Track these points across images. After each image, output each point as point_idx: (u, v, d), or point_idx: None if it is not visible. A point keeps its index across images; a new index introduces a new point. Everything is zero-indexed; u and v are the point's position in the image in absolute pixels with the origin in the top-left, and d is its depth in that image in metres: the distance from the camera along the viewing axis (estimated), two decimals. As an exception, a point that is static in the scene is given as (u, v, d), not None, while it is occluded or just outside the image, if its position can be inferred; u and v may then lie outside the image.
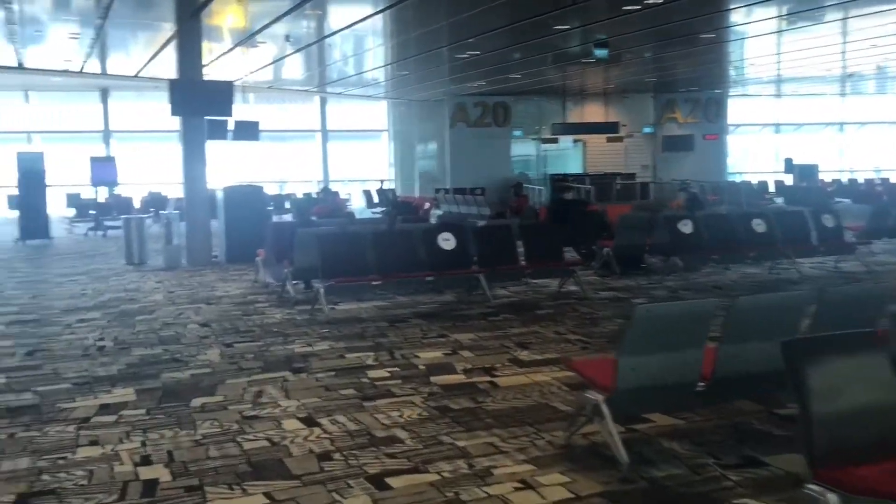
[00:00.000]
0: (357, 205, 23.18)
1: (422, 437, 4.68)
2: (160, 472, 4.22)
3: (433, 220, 15.75)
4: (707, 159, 26.93)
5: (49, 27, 15.78)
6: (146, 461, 4.39)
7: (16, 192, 17.91)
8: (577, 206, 13.27)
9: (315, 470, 4.22)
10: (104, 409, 5.36)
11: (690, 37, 16.02)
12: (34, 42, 17.22)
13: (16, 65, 19.34)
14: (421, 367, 6.34)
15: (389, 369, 6.27)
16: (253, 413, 5.21)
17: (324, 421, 5.01)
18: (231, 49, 17.22)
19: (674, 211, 12.91)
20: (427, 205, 19.79)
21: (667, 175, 25.79)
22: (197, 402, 5.48)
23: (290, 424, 4.96)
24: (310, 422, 5.00)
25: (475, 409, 5.21)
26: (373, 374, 6.14)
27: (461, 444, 4.56)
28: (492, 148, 25.63)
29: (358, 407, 5.30)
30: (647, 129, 26.84)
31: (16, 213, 17.99)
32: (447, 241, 9.04)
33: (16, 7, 13.55)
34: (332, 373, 6.19)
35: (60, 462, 4.38)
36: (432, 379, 5.96)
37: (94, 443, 4.68)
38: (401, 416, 5.07)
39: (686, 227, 10.52)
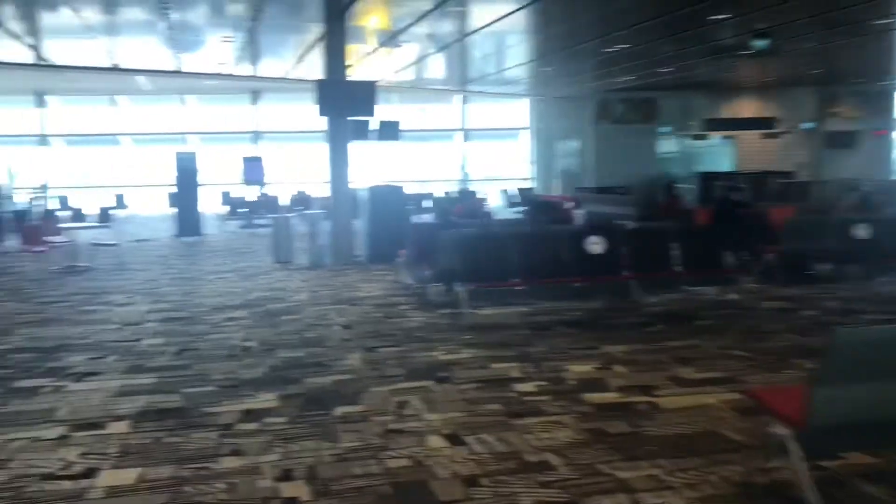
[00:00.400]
0: (494, 204, 22.88)
1: (577, 465, 4.26)
2: (301, 490, 4.02)
3: (576, 221, 15.17)
4: (872, 156, 24.87)
5: (205, 32, 16.39)
6: (287, 476, 4.21)
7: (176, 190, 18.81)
8: (743, 207, 12.20)
9: (461, 497, 3.89)
10: (247, 415, 5.25)
11: (859, 24, 14.70)
12: (192, 47, 17.96)
13: (174, 69, 20.32)
14: (570, 381, 5.92)
15: (537, 383, 5.88)
16: (395, 426, 4.95)
17: (469, 439, 4.68)
18: (375, 49, 17.32)
19: (846, 214, 11.78)
20: (569, 204, 19.18)
21: (827, 174, 23.99)
22: (339, 411, 5.29)
23: (435, 441, 4.67)
24: (455, 440, 4.69)
25: (635, 433, 4.74)
26: (519, 387, 5.78)
27: (622, 475, 4.11)
28: (636, 145, 24.65)
29: (505, 425, 4.94)
30: (807, 125, 25.05)
31: (175, 211, 18.91)
32: (595, 245, 8.53)
33: (176, 15, 14.10)
34: (477, 384, 5.87)
35: (202, 472, 4.26)
36: (584, 396, 5.52)
37: (235, 452, 4.55)
38: (551, 439, 4.67)
39: (862, 231, 9.54)
